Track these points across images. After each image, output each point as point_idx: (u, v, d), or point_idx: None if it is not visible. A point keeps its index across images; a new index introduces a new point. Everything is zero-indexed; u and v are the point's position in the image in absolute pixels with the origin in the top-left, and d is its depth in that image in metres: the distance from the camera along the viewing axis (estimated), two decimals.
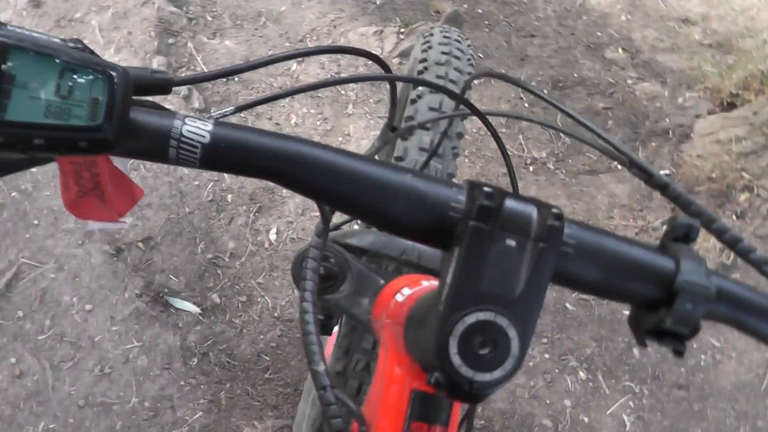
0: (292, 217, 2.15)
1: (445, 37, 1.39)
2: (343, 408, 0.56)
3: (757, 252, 0.54)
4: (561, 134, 2.31)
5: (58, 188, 1.72)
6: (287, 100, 2.31)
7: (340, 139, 2.28)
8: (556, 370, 1.99)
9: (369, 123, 2.30)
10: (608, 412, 1.97)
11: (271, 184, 2.17)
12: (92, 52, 0.47)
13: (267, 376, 1.91)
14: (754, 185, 2.17)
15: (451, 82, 1.29)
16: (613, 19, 2.70)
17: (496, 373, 0.45)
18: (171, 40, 2.38)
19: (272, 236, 2.12)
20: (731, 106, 2.32)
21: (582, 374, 2.00)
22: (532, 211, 0.46)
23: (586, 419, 1.92)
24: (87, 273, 1.94)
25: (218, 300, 1.98)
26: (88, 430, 1.80)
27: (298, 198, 2.17)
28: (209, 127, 0.46)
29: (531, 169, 2.26)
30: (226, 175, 2.18)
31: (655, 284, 0.49)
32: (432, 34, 1.41)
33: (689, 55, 2.53)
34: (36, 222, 2.02)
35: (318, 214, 0.58)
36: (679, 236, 0.52)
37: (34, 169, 2.12)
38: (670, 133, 2.30)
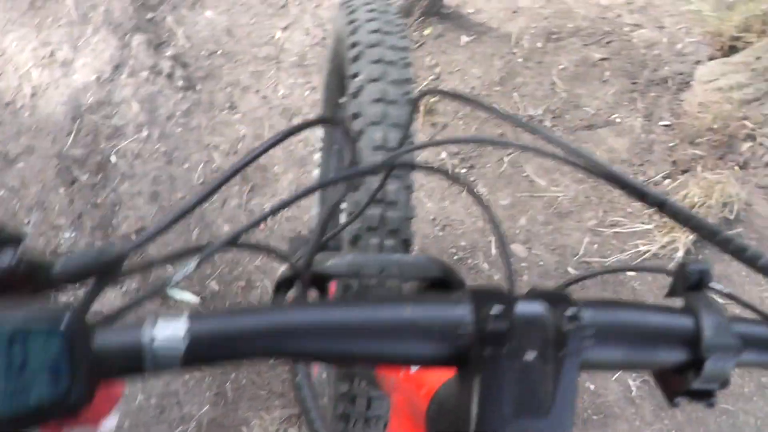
0: (286, 194, 2.12)
1: (369, 8, 1.29)
2: None
3: (764, 258, 0.51)
4: (556, 89, 2.24)
5: None
6: (273, 71, 2.24)
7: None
8: None
9: None
10: (614, 378, 1.97)
11: (262, 160, 2.14)
12: (31, 259, 0.43)
13: (271, 363, 1.91)
14: (756, 134, 2.11)
15: (389, 63, 1.22)
16: None
17: None
18: (149, 15, 2.30)
19: None
20: (732, 50, 2.24)
21: None
22: (545, 315, 0.44)
23: (591, 387, 1.92)
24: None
25: (217, 287, 1.97)
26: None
27: (291, 174, 2.13)
28: (183, 327, 0.41)
29: None
30: (216, 155, 2.14)
31: (680, 349, 0.47)
32: (353, 4, 1.30)
33: None
34: (26, 221, 1.99)
35: None
36: (693, 284, 0.50)
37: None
38: (669, 81, 2.23)
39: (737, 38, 2.23)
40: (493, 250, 2.08)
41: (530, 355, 0.43)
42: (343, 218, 1.30)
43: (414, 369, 0.68)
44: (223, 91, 2.21)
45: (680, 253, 2.05)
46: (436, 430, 0.54)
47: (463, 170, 2.14)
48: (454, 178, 0.69)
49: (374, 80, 1.19)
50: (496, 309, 0.43)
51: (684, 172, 2.15)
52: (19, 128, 2.13)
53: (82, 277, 0.46)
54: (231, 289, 1.97)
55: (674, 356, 0.47)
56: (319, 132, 1.80)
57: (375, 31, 1.24)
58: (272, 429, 1.81)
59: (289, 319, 0.44)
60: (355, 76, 1.20)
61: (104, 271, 0.47)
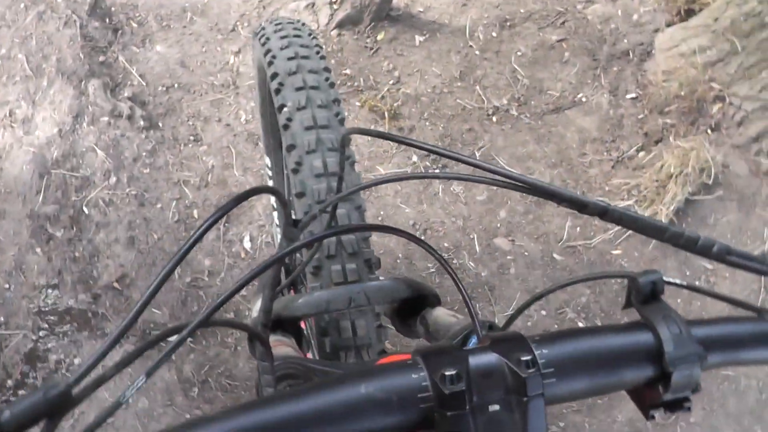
0: (263, 220, 2.11)
1: (281, 35, 1.28)
2: None
3: (716, 246, 0.51)
4: (518, 76, 2.22)
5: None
6: (232, 97, 2.22)
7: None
8: (555, 325, 1.98)
9: None
10: None
11: (234, 189, 2.13)
12: None
13: None
14: (725, 94, 2.10)
15: (312, 88, 1.20)
16: None
17: None
18: (101, 58, 2.28)
19: (246, 244, 2.08)
20: (689, 13, 2.22)
21: (581, 324, 1.99)
22: (501, 364, 0.44)
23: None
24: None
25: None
26: None
27: (264, 199, 2.12)
28: None
29: (494, 119, 2.18)
30: (188, 190, 2.12)
31: (644, 366, 0.48)
32: (265, 33, 1.30)
33: None
34: (6, 285, 1.98)
35: None
36: (647, 296, 0.50)
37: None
38: (631, 53, 2.21)
39: (692, 1, 2.21)
40: (477, 248, 2.07)
41: (494, 407, 0.43)
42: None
43: None
44: (185, 124, 2.19)
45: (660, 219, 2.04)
46: None
47: (437, 170, 2.13)
48: (404, 234, 0.68)
49: (301, 108, 1.17)
50: (450, 371, 0.43)
51: (657, 142, 2.14)
52: None
53: (33, 422, 0.45)
54: None
55: (640, 373, 0.47)
56: (267, 160, 1.78)
57: (292, 58, 1.22)
58: None
59: (245, 423, 0.43)
60: (281, 108, 1.18)
61: (54, 410, 0.46)
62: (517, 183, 0.54)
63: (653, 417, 0.50)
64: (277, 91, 1.21)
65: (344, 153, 0.76)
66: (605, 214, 0.52)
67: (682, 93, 2.11)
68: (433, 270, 2.00)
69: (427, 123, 2.17)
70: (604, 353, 0.47)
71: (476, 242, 2.07)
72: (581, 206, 0.52)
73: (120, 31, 2.33)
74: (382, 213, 2.08)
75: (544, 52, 2.23)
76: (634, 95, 2.19)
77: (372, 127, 2.11)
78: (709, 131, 2.09)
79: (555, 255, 2.05)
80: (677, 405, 0.48)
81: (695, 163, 2.01)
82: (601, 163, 2.13)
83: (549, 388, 0.45)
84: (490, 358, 0.44)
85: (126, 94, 2.22)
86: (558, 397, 0.46)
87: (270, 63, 1.25)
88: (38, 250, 2.02)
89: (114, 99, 2.21)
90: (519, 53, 2.23)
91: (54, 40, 2.28)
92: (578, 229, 2.08)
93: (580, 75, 2.21)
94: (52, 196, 2.08)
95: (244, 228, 2.09)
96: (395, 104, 2.18)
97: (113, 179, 2.11)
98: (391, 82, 2.21)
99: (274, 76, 1.22)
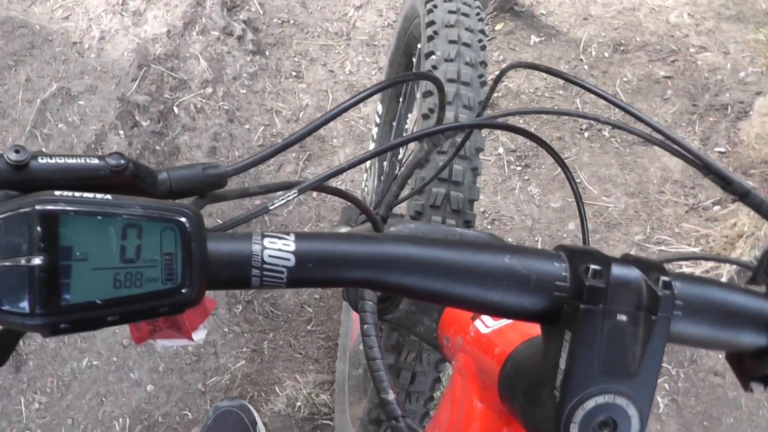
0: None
1: None
2: None
3: None
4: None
5: None
6: (342, 46, 2.25)
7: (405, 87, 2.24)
8: None
9: None
10: None
11: (322, 131, 2.15)
12: (138, 165, 0.42)
13: (309, 328, 1.92)
14: None
15: (464, 45, 1.23)
16: None
17: None
18: None
19: None
20: None
21: None
22: (640, 279, 0.44)
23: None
24: None
25: None
26: (131, 369, 1.82)
27: (349, 149, 2.14)
28: (291, 246, 0.42)
29: (586, 135, 2.22)
30: (277, 120, 2.15)
31: (761, 333, 0.48)
32: None
33: (755, 25, 2.44)
34: None
35: None
36: None
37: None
38: (729, 108, 2.24)
39: None
40: None
41: (622, 317, 0.43)
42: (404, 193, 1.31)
43: (485, 330, 0.69)
44: (291, 59, 2.23)
45: (724, 278, 2.06)
46: (511, 389, 0.55)
47: (518, 168, 2.16)
48: (537, 139, 0.70)
49: (449, 60, 1.20)
50: (595, 266, 0.44)
51: (734, 201, 2.17)
52: (83, 68, 2.15)
53: (187, 191, 0.47)
54: None
55: (755, 339, 0.48)
56: (379, 107, 1.82)
57: (452, 12, 1.25)
58: (305, 392, 1.81)
59: (393, 251, 0.44)
60: (429, 55, 1.21)
61: (207, 188, 0.48)
62: (672, 144, 0.56)
63: (751, 390, 0.50)
64: (430, 38, 1.24)
65: (495, 89, 0.78)
66: (747, 196, 0.54)
67: None
68: None
69: (521, 120, 2.20)
70: (730, 309, 0.48)
71: (539, 245, 2.09)
72: (727, 182, 0.55)
73: None
74: None
75: (648, 84, 2.27)
76: (722, 149, 2.22)
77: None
78: None
79: None
80: None
81: None
82: (677, 206, 2.16)
83: (675, 320, 0.45)
84: (631, 270, 0.44)
85: (242, 17, 2.26)
86: (678, 334, 0.46)
87: (430, 11, 1.28)
88: (121, 132, 2.04)
89: (229, 18, 2.24)
90: (625, 79, 2.27)
91: None
92: None
93: (676, 116, 2.25)
94: (147, 88, 2.11)
95: (322, 170, 2.11)
96: (495, 95, 2.21)
97: (209, 89, 2.14)
98: (496, 73, 2.24)
99: (431, 23, 1.25)
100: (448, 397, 0.75)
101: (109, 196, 0.38)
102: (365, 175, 1.93)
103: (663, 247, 2.12)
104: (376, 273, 0.44)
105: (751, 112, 2.26)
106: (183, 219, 0.39)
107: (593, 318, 0.43)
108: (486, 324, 0.69)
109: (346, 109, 0.55)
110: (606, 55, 2.28)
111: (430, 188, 1.12)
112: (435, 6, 1.28)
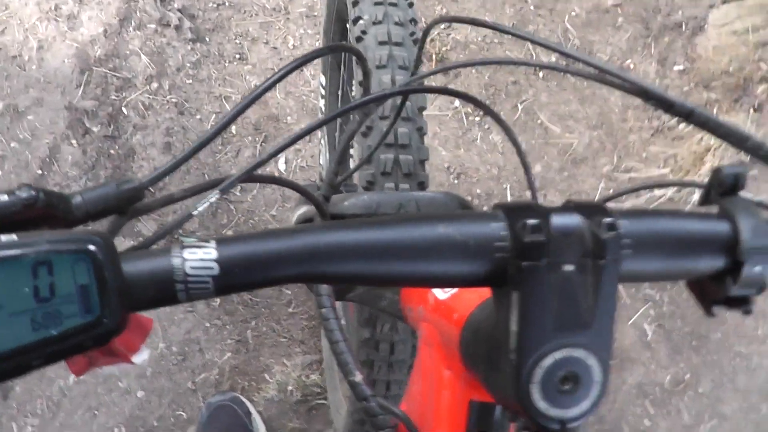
0: (300, 144, 2.10)
1: None
2: (387, 413, 0.55)
3: None
4: (569, 36, 2.22)
5: None
6: (282, 21, 2.21)
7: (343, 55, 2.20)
8: None
9: None
10: (630, 322, 1.98)
11: (273, 110, 2.12)
12: (48, 193, 0.40)
13: (290, 311, 1.91)
14: None
15: (391, 5, 1.19)
16: None
17: (584, 405, 0.43)
18: None
19: (281, 166, 2.08)
20: None
21: None
22: (582, 225, 0.43)
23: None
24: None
25: None
26: (119, 378, 1.82)
27: (303, 123, 2.11)
28: (213, 254, 0.40)
29: (541, 75, 2.18)
30: (228, 106, 2.12)
31: (717, 255, 0.46)
32: None
33: None
34: (39, 171, 1.97)
35: None
36: (728, 188, 0.49)
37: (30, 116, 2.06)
38: (683, 26, 2.21)
39: None
40: (509, 198, 2.07)
41: (568, 267, 0.42)
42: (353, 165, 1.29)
43: (443, 296, 0.67)
44: (233, 42, 2.18)
45: (695, 197, 2.05)
46: (472, 353, 0.54)
47: (477, 118, 2.13)
48: (472, 100, 0.67)
49: (378, 23, 1.17)
50: (532, 221, 0.42)
51: (680, 122, 2.14)
52: (27, 81, 2.10)
53: (105, 211, 0.45)
54: None
55: (712, 263, 0.47)
56: (321, 79, 1.78)
57: None
58: (294, 375, 1.81)
59: (320, 240, 0.42)
60: (357, 20, 1.18)
61: (125, 205, 0.46)
62: (612, 76, 0.54)
63: (714, 314, 0.49)
64: (355, 3, 1.21)
65: (423, 47, 0.76)
66: (691, 115, 0.52)
67: (730, 70, 2.11)
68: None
69: (473, 71, 2.17)
70: (682, 237, 0.46)
71: (509, 192, 2.08)
72: (669, 105, 0.53)
73: None
74: None
75: (598, 15, 2.23)
76: (681, 67, 2.19)
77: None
78: (752, 110, 2.10)
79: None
80: (740, 302, 0.48)
81: None
82: (641, 131, 2.14)
83: (625, 261, 0.44)
84: (572, 217, 0.43)
85: (176, 5, 2.21)
86: (631, 273, 0.45)
87: None
88: (74, 141, 2.01)
89: (164, 8, 2.19)
90: (573, 13, 2.23)
91: None
92: (611, 191, 2.08)
93: (630, 42, 2.21)
94: (92, 92, 2.07)
95: None
96: (444, 48, 2.17)
97: (155, 84, 2.10)
98: (442, 27, 2.20)
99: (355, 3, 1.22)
100: (417, 369, 0.74)
101: (14, 236, 0.36)
102: (319, 150, 1.91)
103: (633, 174, 2.10)
104: (305, 267, 0.42)
105: (706, 26, 2.23)
106: (92, 247, 0.37)
107: (537, 274, 0.42)
108: (444, 289, 0.68)
109: (255, 99, 0.53)
110: None
111: (378, 156, 1.10)
112: None
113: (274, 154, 0.53)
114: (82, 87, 2.08)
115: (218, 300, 1.89)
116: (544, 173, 2.10)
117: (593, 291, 0.42)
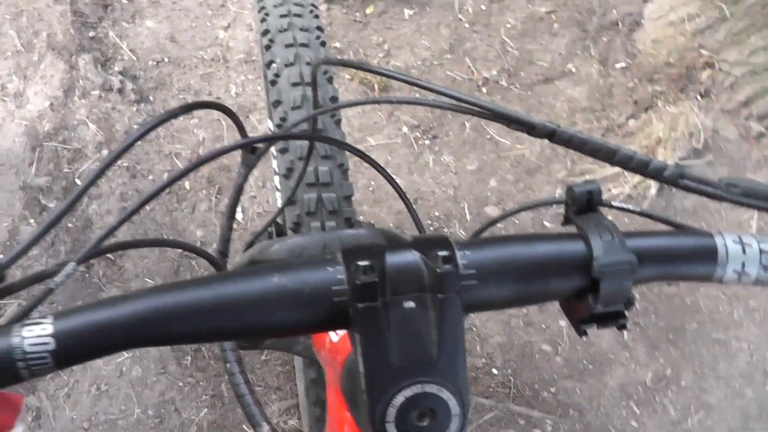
0: (254, 191, 2.11)
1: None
2: None
3: (668, 169, 0.51)
4: (507, 48, 2.23)
5: None
6: (222, 71, 2.22)
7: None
8: None
9: None
10: None
11: (225, 161, 2.13)
12: None
13: (263, 358, 1.91)
14: (714, 60, 2.11)
15: (302, 45, 1.21)
16: None
17: None
18: (91, 33, 2.28)
19: (239, 215, 2.09)
20: None
21: None
22: (417, 261, 0.43)
23: (584, 337, 1.92)
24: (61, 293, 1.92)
25: None
26: None
27: (257, 171, 2.12)
28: (49, 329, 0.40)
29: (484, 90, 2.19)
30: (179, 163, 2.13)
31: (573, 275, 0.47)
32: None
33: None
34: (0, 256, 1.98)
35: None
36: (583, 207, 0.49)
37: None
38: (620, 23, 2.22)
39: None
40: (468, 216, 2.07)
41: (409, 304, 0.42)
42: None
43: (335, 338, 0.67)
44: (176, 98, 2.20)
45: (653, 191, 2.05)
46: (346, 395, 0.54)
47: (427, 141, 2.14)
48: (354, 150, 0.68)
49: (289, 65, 1.18)
50: (363, 262, 0.42)
51: (647, 109, 2.15)
52: None
53: None
54: None
55: (568, 283, 0.47)
56: (269, 124, 1.79)
57: (285, 16, 1.23)
58: (273, 422, 1.80)
59: (155, 304, 0.42)
60: (270, 64, 1.20)
61: None
62: (470, 106, 0.54)
63: (585, 333, 0.49)
64: (267, 48, 1.22)
65: (316, 86, 0.76)
66: (554, 135, 0.52)
67: (672, 60, 2.12)
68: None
69: (417, 94, 2.18)
70: (531, 260, 0.46)
71: (467, 211, 2.08)
72: (530, 127, 0.53)
73: (110, 7, 2.33)
74: (372, 183, 2.09)
75: (533, 24, 2.24)
76: (623, 64, 2.20)
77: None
78: (698, 97, 2.10)
79: (546, 222, 2.06)
80: (610, 319, 0.48)
81: (684, 128, 2.02)
82: (592, 131, 2.14)
83: (470, 291, 0.44)
84: (408, 254, 0.43)
85: (117, 69, 2.23)
86: (480, 301, 0.45)
87: (262, 20, 1.26)
88: (32, 221, 2.02)
89: (105, 73, 2.21)
90: (508, 25, 2.24)
91: (44, 16, 2.29)
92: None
93: (569, 46, 2.22)
94: (45, 168, 2.09)
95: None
96: (383, 79, 2.18)
97: (105, 152, 2.11)
98: (380, 56, 2.21)
99: (265, 32, 1.23)
100: (329, 412, 0.74)
101: None
102: (275, 195, 1.91)
103: (588, 176, 2.10)
104: (141, 332, 0.42)
105: (642, 21, 2.24)
106: None
107: (375, 314, 0.42)
108: (337, 332, 0.68)
109: (163, 189, 0.56)
110: (483, 8, 2.26)
111: (302, 196, 1.11)
112: (267, 14, 1.25)
113: (125, 220, 0.53)
114: (34, 164, 2.09)
115: (189, 357, 1.89)
116: (500, 187, 2.10)
117: (437, 325, 0.42)
